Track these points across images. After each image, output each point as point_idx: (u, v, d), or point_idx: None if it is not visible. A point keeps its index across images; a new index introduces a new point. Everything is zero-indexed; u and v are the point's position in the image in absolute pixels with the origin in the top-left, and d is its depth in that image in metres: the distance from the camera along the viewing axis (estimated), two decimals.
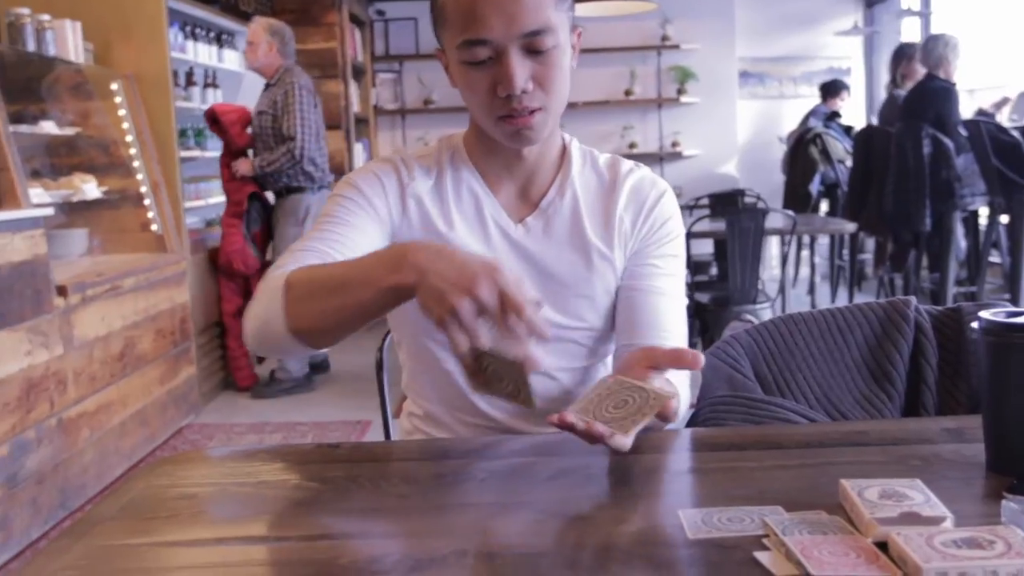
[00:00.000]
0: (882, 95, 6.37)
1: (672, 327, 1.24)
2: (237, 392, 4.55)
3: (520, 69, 1.11)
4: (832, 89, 6.60)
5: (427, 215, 1.24)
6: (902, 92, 5.28)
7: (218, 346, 4.60)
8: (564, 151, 1.30)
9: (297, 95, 4.24)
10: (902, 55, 5.50)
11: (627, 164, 1.31)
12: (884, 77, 6.51)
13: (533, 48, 1.11)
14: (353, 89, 6.26)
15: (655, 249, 1.26)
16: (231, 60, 5.43)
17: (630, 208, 1.27)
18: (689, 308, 1.30)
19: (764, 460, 0.99)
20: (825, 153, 6.12)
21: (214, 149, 5.02)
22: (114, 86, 3.98)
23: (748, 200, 5.59)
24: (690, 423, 1.25)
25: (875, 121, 6.37)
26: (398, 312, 1.27)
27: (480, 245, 1.24)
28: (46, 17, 3.63)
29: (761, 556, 0.75)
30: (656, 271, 1.25)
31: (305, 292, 1.03)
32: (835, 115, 6.51)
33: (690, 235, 4.08)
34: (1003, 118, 5.38)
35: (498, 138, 1.18)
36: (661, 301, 1.25)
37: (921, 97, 4.71)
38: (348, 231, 1.18)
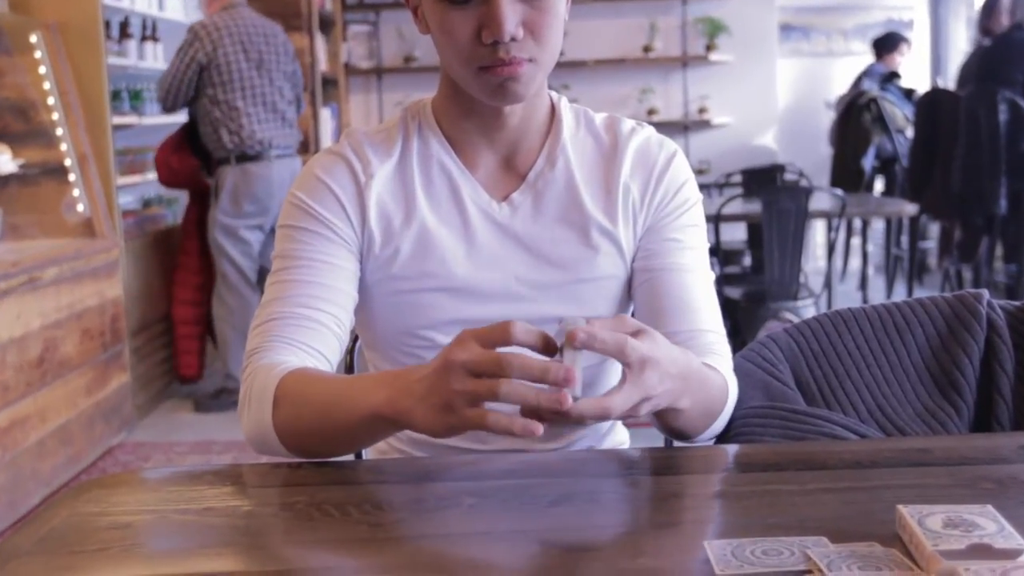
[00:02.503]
0: (951, 52, 6.38)
1: (704, 305, 1.25)
2: (179, 400, 4.56)
3: (511, 12, 1.11)
4: (888, 43, 6.59)
5: (386, 210, 1.25)
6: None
7: (160, 346, 4.60)
8: (553, 112, 1.30)
9: (187, 37, 4.34)
10: (994, 5, 5.47)
11: (628, 123, 1.31)
12: (954, 31, 6.53)
13: None
14: (320, 44, 6.25)
15: (672, 221, 1.27)
16: (174, 8, 5.42)
17: (637, 175, 1.27)
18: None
19: (806, 482, 0.99)
20: (881, 121, 6.13)
21: (152, 114, 5.01)
22: (33, 38, 3.96)
23: (789, 177, 5.59)
24: (719, 438, 1.25)
25: (948, 83, 6.37)
26: (366, 320, 1.28)
27: (457, 234, 1.24)
28: None
29: None
30: (677, 246, 1.26)
31: (294, 420, 1.11)
32: (894, 76, 6.51)
33: (719, 218, 4.09)
34: None
35: (476, 93, 1.18)
36: (687, 278, 1.25)
37: (1005, 51, 4.67)
38: (319, 273, 1.21)
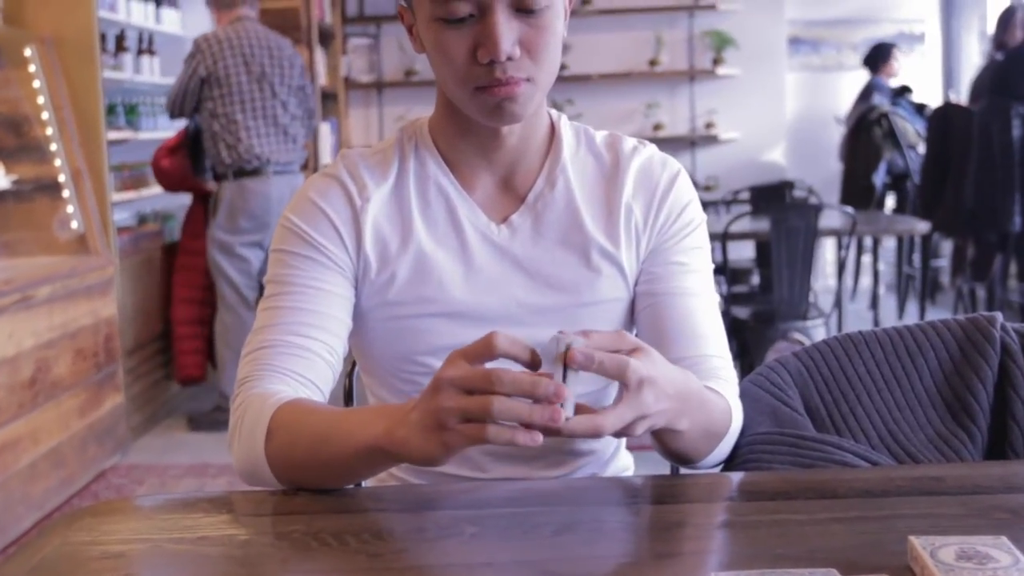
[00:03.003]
0: (964, 66, 6.39)
1: (709, 330, 1.25)
2: (174, 420, 4.56)
3: (507, 30, 1.11)
4: (878, 56, 6.57)
5: (382, 234, 1.25)
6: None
7: (155, 366, 4.60)
8: (552, 131, 1.30)
9: (191, 50, 4.40)
10: (1010, 19, 5.48)
11: (630, 142, 1.31)
12: (967, 44, 6.54)
13: (522, 7, 1.12)
14: (320, 57, 6.27)
15: (676, 243, 1.27)
16: (171, 21, 5.45)
17: (639, 196, 1.28)
18: (724, 326, 1.30)
19: (816, 512, 0.99)
20: (892, 137, 6.14)
21: (149, 129, 5.03)
22: (27, 52, 3.98)
23: (798, 194, 5.60)
24: (726, 465, 1.25)
25: (961, 97, 6.38)
26: (363, 346, 1.28)
27: (455, 257, 1.24)
28: None
29: None
30: (681, 269, 1.26)
31: (287, 452, 1.11)
32: (905, 90, 6.52)
33: (726, 236, 4.09)
34: None
35: (473, 114, 1.19)
36: (692, 303, 1.25)
37: (1019, 65, 4.68)
38: (312, 300, 1.22)
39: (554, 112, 1.31)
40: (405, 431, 0.98)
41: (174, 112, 4.49)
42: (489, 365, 0.94)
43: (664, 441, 1.11)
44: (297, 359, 1.19)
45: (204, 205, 4.65)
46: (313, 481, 1.12)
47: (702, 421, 1.11)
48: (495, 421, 0.91)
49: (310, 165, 5.48)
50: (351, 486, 1.14)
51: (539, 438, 0.91)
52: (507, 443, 0.91)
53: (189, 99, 4.40)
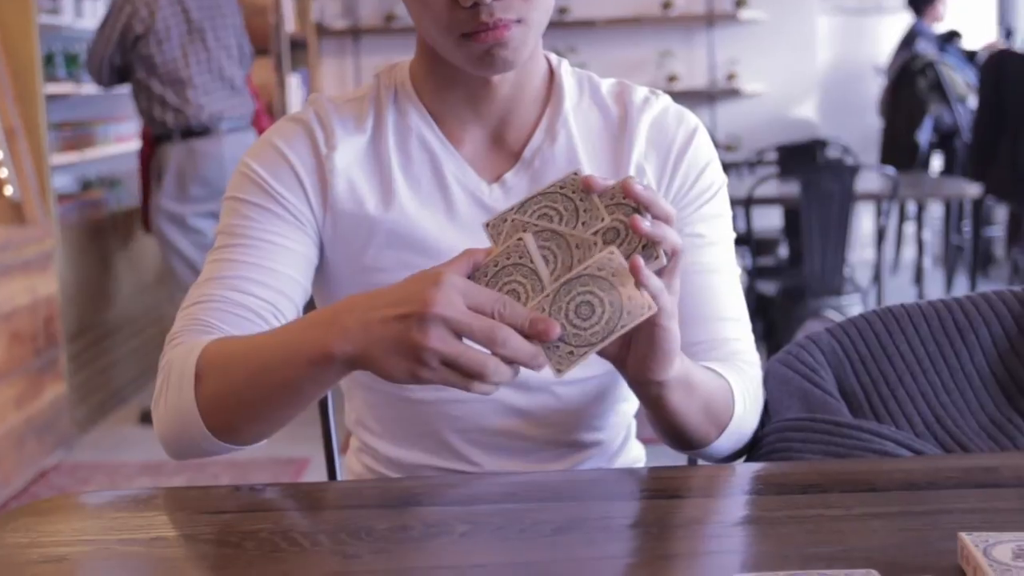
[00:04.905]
0: (1021, 6, 6.37)
1: (731, 311, 1.26)
2: (124, 413, 4.56)
3: None
4: None
5: (357, 191, 1.24)
6: None
7: (102, 351, 4.60)
8: (552, 78, 1.30)
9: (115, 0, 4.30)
10: None
11: (640, 91, 1.30)
12: None
13: None
14: (287, 0, 6.24)
15: (694, 212, 1.27)
16: None
17: (652, 154, 1.27)
18: (749, 303, 1.31)
19: (852, 506, 0.99)
20: (939, 89, 6.13)
21: (93, 82, 5.00)
22: None
23: (831, 154, 5.59)
24: (751, 455, 1.25)
25: (1017, 44, 6.36)
26: None
27: (440, 219, 1.24)
28: None
29: None
30: (699, 242, 1.26)
31: (222, 386, 1.09)
32: (953, 36, 6.51)
33: (750, 202, 4.09)
34: None
35: (460, 63, 1.18)
36: (711, 280, 1.25)
37: None
38: (263, 254, 1.21)
39: (553, 57, 1.31)
40: (367, 344, 0.97)
41: (101, 79, 4.38)
42: None
43: (661, 413, 1.12)
44: (235, 318, 1.18)
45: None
46: (254, 420, 1.10)
47: (701, 385, 1.13)
48: (486, 380, 0.92)
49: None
50: (325, 479, 1.14)
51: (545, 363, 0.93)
52: (479, 392, 0.94)
53: (121, 58, 4.29)
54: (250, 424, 1.11)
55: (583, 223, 0.98)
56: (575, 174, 0.99)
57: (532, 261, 0.96)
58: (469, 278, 0.96)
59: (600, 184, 0.98)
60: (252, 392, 1.08)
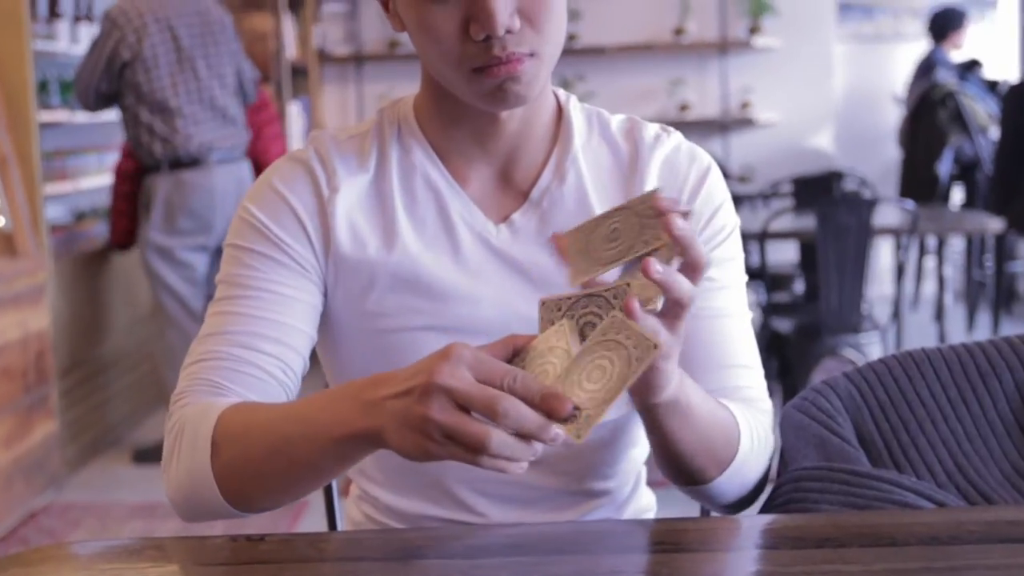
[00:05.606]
0: None
1: (743, 358, 1.26)
2: (116, 452, 4.55)
3: (503, 1, 1.11)
4: (946, 23, 6.57)
5: (359, 234, 1.24)
6: None
7: (94, 388, 4.59)
8: (560, 115, 1.30)
9: (103, 25, 4.30)
10: None
11: (651, 129, 1.31)
12: None
13: None
14: (288, 26, 6.28)
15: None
16: None
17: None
18: (763, 340, 1.30)
19: (870, 562, 0.99)
20: (959, 119, 6.14)
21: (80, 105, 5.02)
22: None
23: (848, 186, 5.59)
24: (765, 507, 1.25)
25: None
26: (337, 364, 1.28)
27: (447, 261, 1.24)
28: None
29: None
30: (711, 286, 1.26)
31: (240, 456, 1.10)
32: (973, 64, 6.52)
33: (765, 236, 4.09)
34: None
35: (470, 99, 1.18)
36: (723, 325, 1.26)
37: None
38: (269, 306, 1.21)
39: (561, 92, 1.31)
40: (382, 420, 0.98)
41: (88, 105, 4.39)
42: None
43: (663, 440, 1.13)
44: (243, 376, 1.18)
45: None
46: (272, 492, 1.11)
47: (704, 415, 1.14)
48: (490, 455, 0.92)
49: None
50: (326, 529, 1.13)
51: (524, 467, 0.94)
52: (495, 470, 0.94)
53: (108, 85, 4.30)
54: (267, 495, 1.12)
55: None
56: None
57: (567, 343, 0.97)
58: (509, 361, 0.97)
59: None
60: (271, 466, 1.09)
